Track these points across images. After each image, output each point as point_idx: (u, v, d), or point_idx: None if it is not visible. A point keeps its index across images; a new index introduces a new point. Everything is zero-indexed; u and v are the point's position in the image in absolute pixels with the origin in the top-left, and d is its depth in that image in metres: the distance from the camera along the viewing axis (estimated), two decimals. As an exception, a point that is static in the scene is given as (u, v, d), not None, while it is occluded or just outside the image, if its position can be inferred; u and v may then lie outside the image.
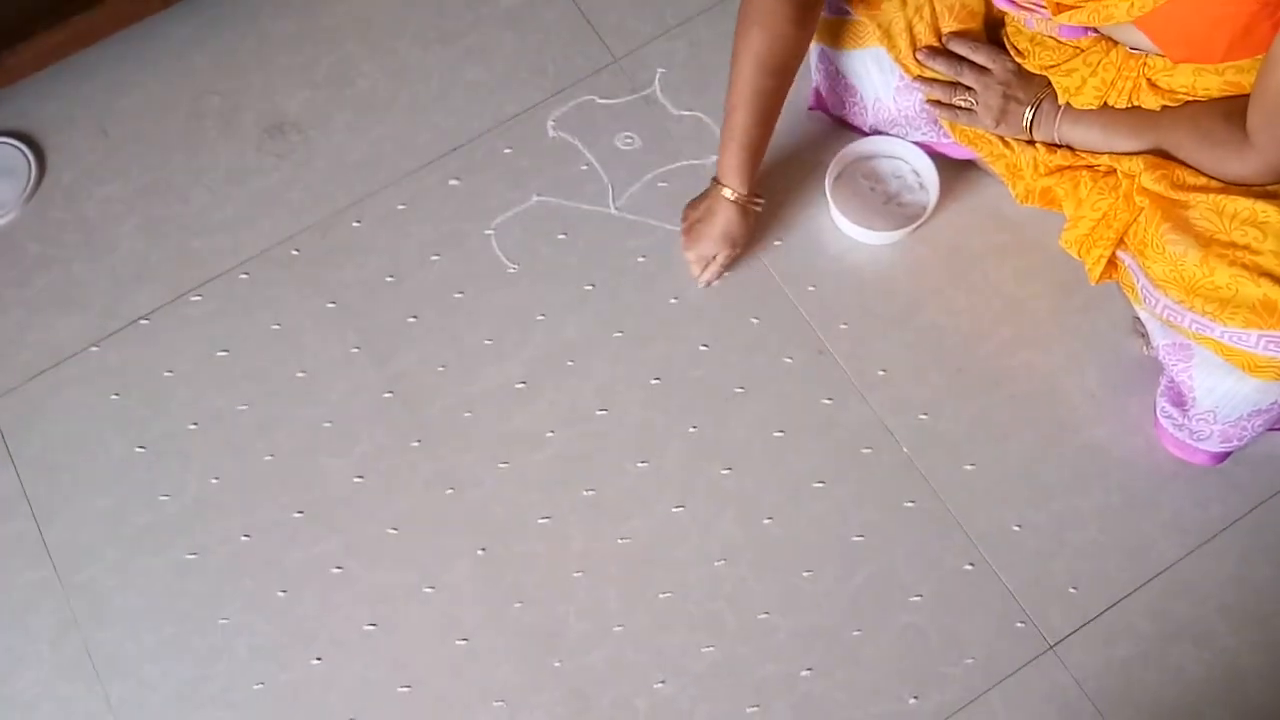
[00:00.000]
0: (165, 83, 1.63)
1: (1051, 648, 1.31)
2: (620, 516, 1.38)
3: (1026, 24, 1.24)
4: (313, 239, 1.53)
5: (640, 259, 1.49)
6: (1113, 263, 1.25)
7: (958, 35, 1.31)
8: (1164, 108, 1.18)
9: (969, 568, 1.34)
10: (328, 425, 1.43)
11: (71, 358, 1.48)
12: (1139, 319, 1.38)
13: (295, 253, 1.52)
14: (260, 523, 1.39)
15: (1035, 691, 1.29)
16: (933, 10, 1.30)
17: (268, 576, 1.37)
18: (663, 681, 1.31)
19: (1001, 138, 1.33)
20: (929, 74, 1.33)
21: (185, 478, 1.42)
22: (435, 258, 1.51)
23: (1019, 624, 1.32)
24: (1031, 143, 1.30)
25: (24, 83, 1.57)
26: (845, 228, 1.48)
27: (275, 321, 1.49)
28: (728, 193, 1.37)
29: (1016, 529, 1.36)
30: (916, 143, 1.46)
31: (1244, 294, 1.09)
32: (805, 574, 1.35)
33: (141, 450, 1.43)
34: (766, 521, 1.37)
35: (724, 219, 1.39)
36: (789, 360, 1.44)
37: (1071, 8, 1.11)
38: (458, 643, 1.33)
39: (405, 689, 1.32)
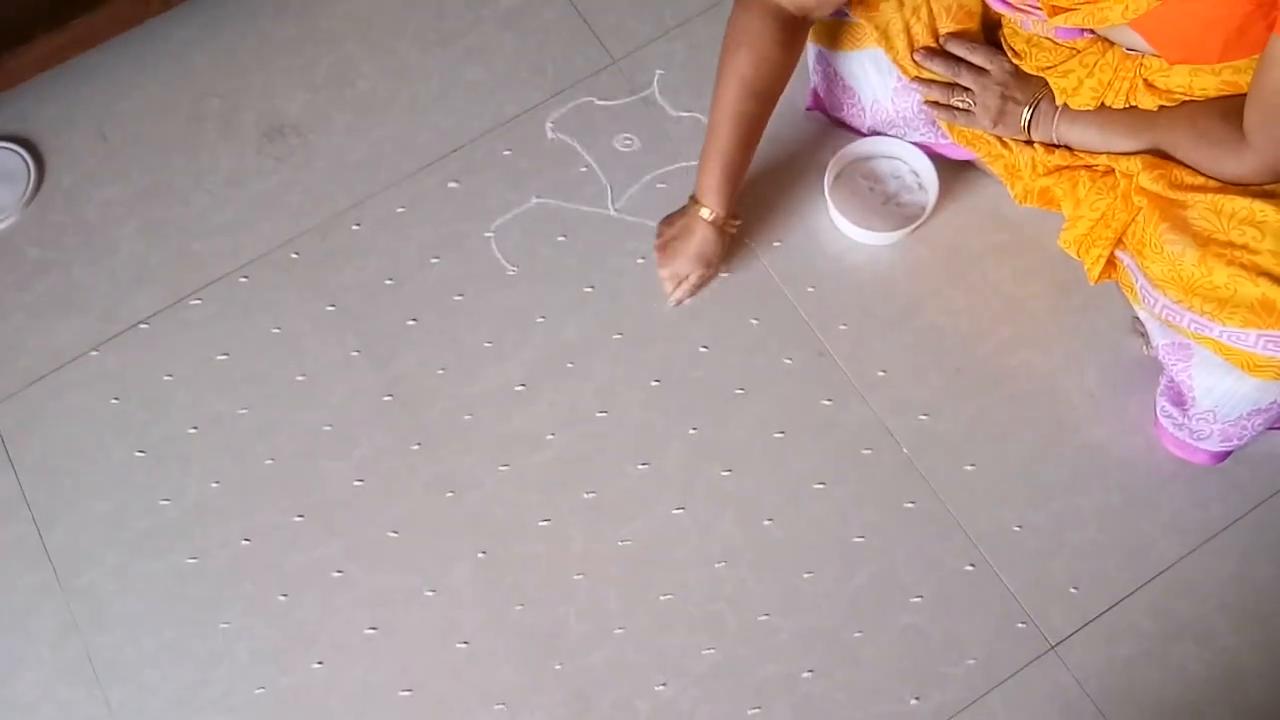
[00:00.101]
0: (165, 85, 1.63)
1: (1053, 648, 1.31)
2: (620, 518, 1.38)
3: (1023, 25, 1.24)
4: (312, 242, 1.53)
5: (640, 260, 1.49)
6: (1111, 262, 1.25)
7: (955, 36, 1.31)
8: (1161, 108, 1.18)
9: (969, 568, 1.34)
10: (328, 428, 1.43)
11: (71, 362, 1.48)
12: (1138, 318, 1.38)
13: (295, 256, 1.52)
14: (260, 526, 1.39)
15: (1037, 692, 1.29)
16: (930, 11, 1.30)
17: (268, 580, 1.37)
18: (664, 683, 1.31)
19: (1000, 138, 1.33)
20: (927, 75, 1.33)
21: (185, 482, 1.42)
22: (435, 260, 1.51)
23: (1020, 624, 1.32)
24: (1030, 143, 1.30)
25: (23, 86, 1.57)
26: (844, 228, 1.48)
27: (275, 325, 1.49)
28: (705, 213, 1.36)
29: (1017, 529, 1.36)
30: (915, 143, 1.46)
31: (1242, 293, 1.09)
32: (806, 575, 1.35)
33: (141, 454, 1.43)
34: (767, 523, 1.37)
35: (700, 238, 1.39)
36: (789, 361, 1.44)
37: (1067, 10, 1.11)
38: (458, 646, 1.33)
39: (406, 692, 1.32)
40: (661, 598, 1.35)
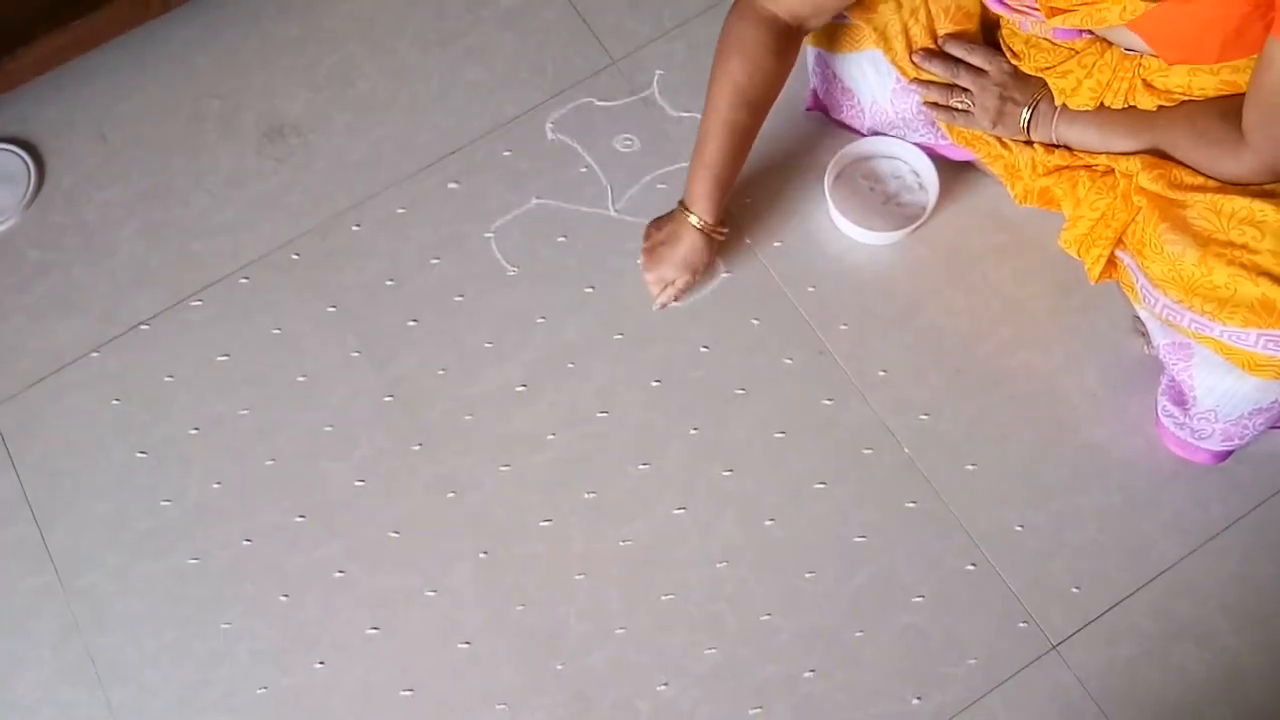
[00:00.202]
0: (165, 86, 1.63)
1: (1054, 648, 1.31)
2: (621, 518, 1.38)
3: (1021, 26, 1.24)
4: (313, 242, 1.53)
5: (640, 261, 1.49)
6: (1112, 262, 1.25)
7: (953, 37, 1.31)
8: (1160, 108, 1.18)
9: (970, 568, 1.34)
10: (328, 429, 1.43)
11: (72, 363, 1.48)
12: (1139, 318, 1.38)
13: (295, 257, 1.52)
14: (261, 527, 1.39)
15: (1038, 692, 1.29)
16: (928, 12, 1.30)
17: (269, 581, 1.37)
18: (665, 683, 1.31)
19: (999, 138, 1.33)
20: (925, 76, 1.33)
21: (186, 483, 1.42)
22: (435, 261, 1.51)
23: (1021, 624, 1.32)
24: (1029, 143, 1.30)
25: (23, 88, 1.57)
26: (845, 228, 1.48)
27: (275, 326, 1.49)
28: (694, 219, 1.36)
29: (1018, 529, 1.35)
30: (915, 144, 1.46)
31: (1242, 293, 1.09)
32: (807, 575, 1.35)
33: (142, 455, 1.43)
34: (768, 523, 1.37)
35: (687, 245, 1.38)
36: (789, 361, 1.44)
37: (1065, 11, 1.11)
38: (459, 646, 1.34)
39: (407, 693, 1.32)
40: (662, 598, 1.35)
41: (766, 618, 1.33)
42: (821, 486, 1.38)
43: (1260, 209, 1.09)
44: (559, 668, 1.32)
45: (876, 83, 1.38)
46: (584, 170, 1.55)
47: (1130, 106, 1.20)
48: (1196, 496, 1.36)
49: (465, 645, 1.34)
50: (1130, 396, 1.40)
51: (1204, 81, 1.14)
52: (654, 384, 1.44)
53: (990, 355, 1.43)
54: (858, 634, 1.32)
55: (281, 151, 1.59)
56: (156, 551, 1.39)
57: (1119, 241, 1.21)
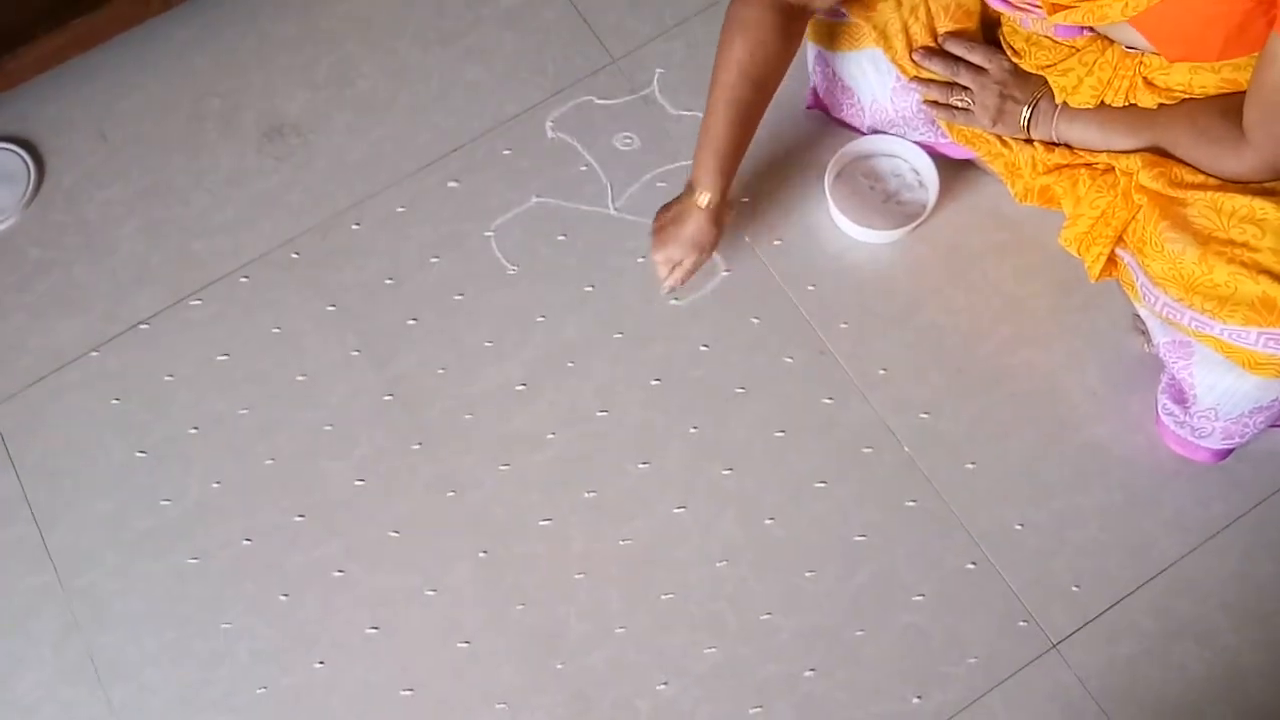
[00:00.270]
0: (165, 85, 1.63)
1: (1054, 646, 1.31)
2: (621, 517, 1.38)
3: (1022, 24, 1.24)
4: (313, 241, 1.53)
5: (640, 259, 1.49)
6: (1112, 260, 1.24)
7: (954, 35, 1.30)
8: (1161, 106, 1.18)
9: (971, 567, 1.34)
10: (328, 428, 1.43)
11: (72, 362, 1.48)
12: (1139, 316, 1.38)
13: (295, 255, 1.52)
14: (261, 526, 1.39)
15: (1038, 691, 1.29)
16: (928, 10, 1.30)
17: (269, 580, 1.37)
18: (665, 683, 1.31)
19: (999, 137, 1.32)
20: (925, 74, 1.33)
21: (186, 482, 1.42)
22: (435, 260, 1.51)
23: (1021, 623, 1.32)
24: (1029, 141, 1.30)
25: (23, 86, 1.57)
26: (845, 227, 1.48)
27: (275, 325, 1.49)
28: (701, 198, 1.36)
29: (1018, 528, 1.35)
30: (915, 143, 1.45)
31: (1243, 291, 1.09)
32: (807, 574, 1.35)
33: (142, 454, 1.43)
34: (768, 522, 1.37)
35: (694, 225, 1.38)
36: (789, 360, 1.44)
37: (1066, 7, 1.11)
38: (459, 645, 1.33)
39: (407, 692, 1.32)
40: (662, 597, 1.35)
41: (767, 617, 1.33)
42: (822, 485, 1.38)
43: (1261, 207, 1.09)
44: (559, 667, 1.32)
45: (876, 81, 1.38)
46: (584, 169, 1.55)
47: (1131, 105, 1.20)
48: (1197, 495, 1.36)
49: (465, 645, 1.34)
50: (1131, 395, 1.40)
51: (1205, 80, 1.14)
52: (654, 383, 1.44)
53: (991, 354, 1.43)
54: (858, 633, 1.32)
55: (281, 150, 1.59)
56: (156, 551, 1.39)
57: (1119, 240, 1.21)
